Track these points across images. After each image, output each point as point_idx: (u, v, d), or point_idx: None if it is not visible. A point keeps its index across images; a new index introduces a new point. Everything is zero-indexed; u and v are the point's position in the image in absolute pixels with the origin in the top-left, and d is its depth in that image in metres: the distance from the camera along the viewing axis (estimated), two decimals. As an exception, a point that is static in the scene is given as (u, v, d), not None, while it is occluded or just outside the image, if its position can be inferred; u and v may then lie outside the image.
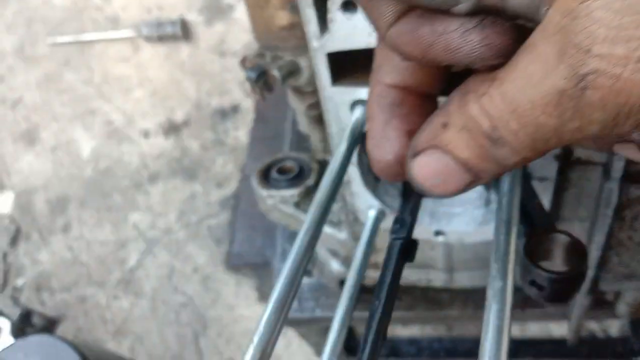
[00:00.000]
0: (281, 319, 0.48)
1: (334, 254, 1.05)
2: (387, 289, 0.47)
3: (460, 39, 0.33)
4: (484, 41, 0.32)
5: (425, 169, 0.37)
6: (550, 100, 0.30)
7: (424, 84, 0.42)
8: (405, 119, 0.42)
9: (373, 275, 1.00)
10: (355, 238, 0.94)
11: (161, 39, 2.52)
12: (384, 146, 0.43)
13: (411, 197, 0.52)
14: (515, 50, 0.32)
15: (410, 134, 0.42)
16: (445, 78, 0.42)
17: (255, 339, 0.46)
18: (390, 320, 0.50)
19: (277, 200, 1.00)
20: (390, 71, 0.41)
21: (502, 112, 0.32)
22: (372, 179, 0.84)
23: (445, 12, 0.33)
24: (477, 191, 0.87)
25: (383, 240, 0.94)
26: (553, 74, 0.30)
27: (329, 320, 1.20)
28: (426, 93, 0.42)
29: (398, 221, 0.50)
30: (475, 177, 0.36)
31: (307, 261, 0.55)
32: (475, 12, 0.33)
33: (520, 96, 0.31)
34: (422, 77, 0.41)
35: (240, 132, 2.28)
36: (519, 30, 0.33)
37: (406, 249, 0.50)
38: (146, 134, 2.35)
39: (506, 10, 0.33)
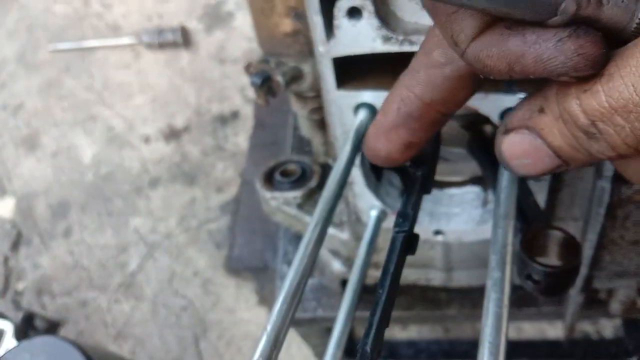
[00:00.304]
0: (289, 317, 0.50)
1: (336, 254, 1.08)
2: (390, 279, 0.50)
3: (555, 48, 0.32)
4: (579, 50, 0.32)
5: (515, 147, 0.38)
6: None
7: (450, 104, 0.43)
8: (413, 132, 0.44)
9: (374, 274, 1.03)
10: (357, 238, 0.97)
11: (162, 46, 2.55)
12: (382, 142, 0.45)
13: (413, 193, 0.55)
14: (605, 61, 0.32)
15: (409, 145, 0.44)
16: (467, 99, 0.43)
17: (264, 337, 0.48)
18: (392, 310, 0.53)
19: (281, 202, 1.03)
20: (422, 82, 0.42)
21: (606, 108, 0.32)
22: (374, 180, 0.87)
23: (538, 23, 0.33)
24: (475, 192, 0.90)
25: (384, 240, 0.97)
26: None
27: (330, 321, 1.22)
28: (447, 112, 0.43)
29: (401, 215, 0.53)
30: (564, 163, 0.37)
31: (314, 259, 0.57)
32: (569, 23, 0.32)
33: (631, 92, 0.31)
34: (452, 97, 0.42)
35: (240, 138, 2.31)
36: (607, 41, 0.33)
37: (408, 242, 0.53)
38: (147, 140, 2.38)
39: (601, 20, 0.33)
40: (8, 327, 1.61)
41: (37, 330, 1.78)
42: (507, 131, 0.38)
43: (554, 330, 1.76)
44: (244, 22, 2.59)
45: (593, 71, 0.32)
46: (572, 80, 0.33)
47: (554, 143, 0.36)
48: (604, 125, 0.32)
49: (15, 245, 2.21)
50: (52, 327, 1.85)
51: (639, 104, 0.31)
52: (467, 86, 0.42)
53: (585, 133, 0.33)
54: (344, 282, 1.13)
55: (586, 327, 1.74)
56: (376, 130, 0.45)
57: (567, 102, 0.34)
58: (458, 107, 0.44)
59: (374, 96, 0.72)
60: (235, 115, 2.38)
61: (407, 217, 0.53)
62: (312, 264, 0.56)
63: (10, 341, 1.60)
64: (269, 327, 0.49)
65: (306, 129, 1.06)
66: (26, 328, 1.74)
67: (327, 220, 0.60)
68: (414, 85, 0.42)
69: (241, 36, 2.58)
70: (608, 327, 1.73)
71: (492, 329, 0.46)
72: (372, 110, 0.73)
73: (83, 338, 1.94)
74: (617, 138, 0.32)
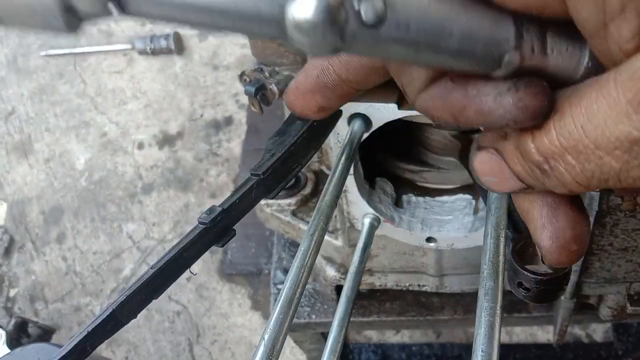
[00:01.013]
0: (286, 326, 0.51)
1: (330, 260, 1.09)
2: (179, 264, 0.53)
3: (494, 102, 0.32)
4: (518, 103, 0.32)
5: (484, 165, 0.39)
6: (618, 145, 0.29)
7: (363, 84, 0.46)
8: (327, 99, 0.47)
9: (368, 280, 1.04)
10: (351, 245, 0.98)
11: (155, 52, 2.56)
12: (299, 101, 0.48)
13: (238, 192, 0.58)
14: (550, 110, 0.32)
15: (322, 109, 0.47)
16: (379, 83, 0.46)
17: (261, 348, 0.49)
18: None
19: (275, 209, 1.04)
20: (342, 62, 0.44)
21: (558, 147, 0.32)
22: (367, 188, 0.89)
23: (482, 76, 0.33)
24: (466, 200, 0.91)
25: (376, 247, 0.98)
26: (625, 121, 0.29)
27: (324, 326, 1.23)
28: (360, 89, 0.46)
29: (209, 210, 0.56)
30: (528, 187, 0.37)
31: (311, 268, 0.58)
32: (514, 74, 0.32)
33: (581, 133, 0.31)
34: (365, 80, 0.45)
35: (233, 144, 2.32)
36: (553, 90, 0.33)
37: (215, 235, 0.55)
38: (140, 146, 2.38)
39: (547, 69, 0.33)
40: (0, 334, 1.61)
41: (30, 337, 1.78)
42: (479, 148, 0.40)
43: (544, 334, 1.78)
44: (236, 28, 2.60)
45: (534, 123, 0.32)
46: (516, 130, 0.34)
47: (514, 168, 0.36)
48: (555, 162, 0.33)
49: (8, 252, 2.20)
50: (45, 334, 1.84)
51: (589, 146, 0.30)
52: (380, 74, 0.44)
53: (538, 168, 0.34)
54: (337, 288, 1.14)
55: (577, 331, 1.75)
56: (296, 89, 0.48)
57: (522, 137, 0.34)
58: (370, 87, 0.47)
59: (367, 107, 0.73)
60: (228, 120, 2.39)
61: (214, 211, 0.56)
62: (309, 273, 0.57)
63: (2, 349, 1.60)
64: (266, 337, 0.50)
65: (300, 136, 1.07)
66: (19, 335, 1.74)
67: (324, 229, 0.61)
68: (335, 62, 0.45)
69: (234, 42, 2.59)
70: (598, 331, 1.75)
71: (485, 338, 0.47)
72: (366, 120, 0.74)
73: (76, 344, 1.94)
74: (568, 176, 0.33)
